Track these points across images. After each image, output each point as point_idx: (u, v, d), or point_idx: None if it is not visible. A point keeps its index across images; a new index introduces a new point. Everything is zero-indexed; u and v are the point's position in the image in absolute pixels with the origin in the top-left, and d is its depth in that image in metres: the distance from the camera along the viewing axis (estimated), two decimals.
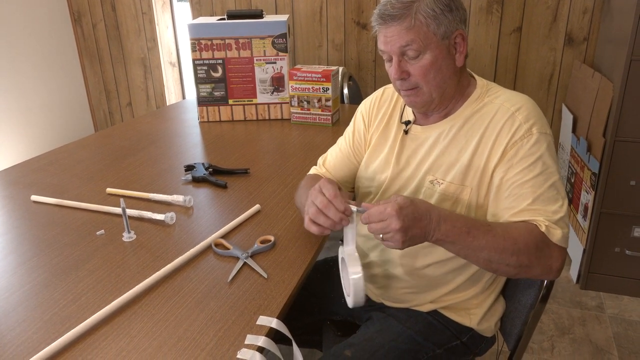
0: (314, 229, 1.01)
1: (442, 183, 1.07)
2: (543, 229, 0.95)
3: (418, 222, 0.90)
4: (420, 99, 1.08)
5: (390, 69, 1.07)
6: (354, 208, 0.96)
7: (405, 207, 0.89)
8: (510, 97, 1.07)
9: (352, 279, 0.95)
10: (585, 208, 2.26)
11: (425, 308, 1.17)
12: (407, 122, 1.17)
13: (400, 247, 0.91)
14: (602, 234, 2.20)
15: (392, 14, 1.00)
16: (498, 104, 1.06)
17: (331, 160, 1.32)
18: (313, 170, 1.35)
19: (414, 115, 1.17)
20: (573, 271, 2.42)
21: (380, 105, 1.25)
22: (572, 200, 2.44)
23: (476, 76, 1.14)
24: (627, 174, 2.08)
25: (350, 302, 0.99)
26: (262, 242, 1.17)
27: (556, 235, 0.95)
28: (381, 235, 0.91)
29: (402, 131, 1.17)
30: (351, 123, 1.31)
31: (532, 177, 0.98)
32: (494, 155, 1.03)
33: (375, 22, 1.04)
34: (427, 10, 0.99)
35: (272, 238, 1.17)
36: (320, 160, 1.36)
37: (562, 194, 1.00)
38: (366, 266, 1.21)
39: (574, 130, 2.38)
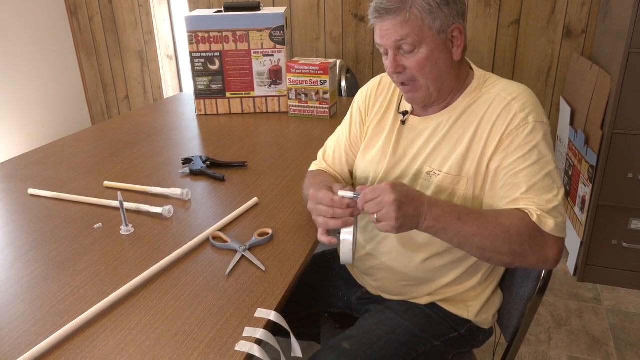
0: (326, 240, 1.01)
1: (438, 174, 1.07)
2: (534, 218, 0.94)
3: (411, 201, 0.91)
4: (420, 94, 1.07)
5: (387, 62, 1.06)
6: (349, 194, 0.96)
7: (399, 184, 0.93)
8: (507, 86, 1.06)
9: (342, 239, 0.99)
10: (583, 200, 2.26)
11: (423, 301, 1.17)
12: (405, 113, 1.16)
13: (394, 226, 0.90)
14: (600, 227, 2.21)
15: (387, 8, 1.00)
16: (494, 94, 1.06)
17: (330, 154, 1.31)
18: (314, 166, 1.34)
19: (412, 106, 1.16)
20: (570, 263, 2.43)
21: (378, 95, 1.24)
22: (570, 192, 2.44)
23: (474, 67, 1.13)
24: (625, 166, 2.08)
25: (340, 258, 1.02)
26: (260, 235, 1.17)
27: (548, 224, 0.94)
28: (375, 217, 0.92)
29: (400, 122, 1.17)
30: (348, 114, 1.30)
31: (527, 166, 0.98)
32: (490, 144, 1.02)
33: (371, 16, 1.04)
34: (422, 4, 0.99)
35: (269, 231, 1.17)
36: (320, 155, 1.34)
37: (558, 183, 0.99)
38: (363, 258, 1.22)
39: (571, 123, 2.38)
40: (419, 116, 1.14)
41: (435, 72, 1.04)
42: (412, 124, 1.14)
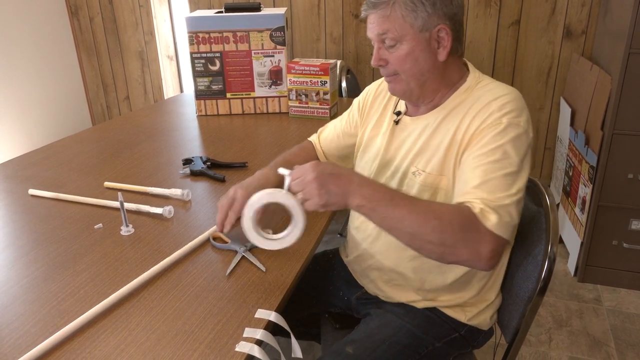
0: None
1: (422, 174, 1.07)
2: (476, 210, 0.90)
3: (336, 179, 0.91)
4: (400, 87, 1.09)
5: None
6: (286, 172, 0.96)
7: (324, 164, 0.93)
8: (494, 88, 1.05)
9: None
10: (583, 201, 2.26)
11: (419, 305, 1.17)
12: (399, 113, 1.18)
13: (318, 202, 0.90)
14: (600, 227, 2.21)
15: (373, 2, 1.03)
16: (479, 95, 1.04)
17: (325, 135, 1.38)
18: (311, 138, 1.42)
19: (406, 107, 1.17)
20: (571, 264, 2.43)
21: (377, 95, 1.26)
22: (570, 193, 2.44)
23: (472, 68, 1.12)
24: (625, 167, 2.08)
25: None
26: None
27: (490, 220, 0.89)
28: (301, 195, 0.93)
29: (393, 121, 1.18)
30: (351, 106, 1.35)
31: (487, 163, 0.95)
32: (464, 142, 1.01)
33: (362, 8, 1.07)
34: (406, 1, 1.00)
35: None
36: (319, 130, 1.41)
37: (518, 186, 0.94)
38: (359, 259, 1.25)
39: (572, 124, 2.38)
40: (410, 116, 1.15)
41: (415, 69, 1.05)
42: (404, 124, 1.16)
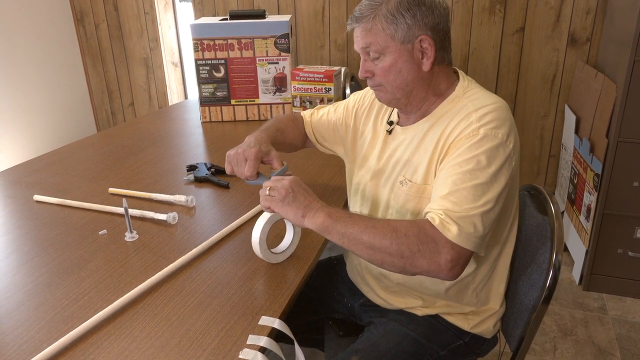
0: (228, 169, 1.18)
1: (408, 183, 1.08)
2: (437, 222, 0.91)
3: (306, 194, 1.01)
4: (385, 96, 1.10)
5: None
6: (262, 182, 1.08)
7: (302, 182, 1.02)
8: (479, 98, 1.04)
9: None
10: (588, 209, 2.25)
11: (419, 312, 1.17)
12: (391, 122, 1.18)
13: (280, 201, 0.99)
14: (605, 235, 2.20)
15: (356, 16, 1.05)
16: (463, 104, 1.04)
17: (318, 117, 1.38)
18: (303, 113, 1.41)
19: (398, 116, 1.18)
20: (575, 272, 2.41)
21: (373, 105, 1.26)
22: (575, 201, 2.44)
23: (462, 77, 1.11)
24: (630, 175, 2.08)
25: None
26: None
27: (451, 231, 0.90)
28: (267, 192, 1.02)
29: (386, 131, 1.19)
30: (344, 105, 1.33)
31: (459, 173, 0.95)
32: (443, 152, 1.02)
33: (348, 22, 1.09)
34: (386, 14, 1.01)
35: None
36: (313, 110, 1.41)
37: (487, 198, 0.93)
38: (357, 266, 1.27)
39: (576, 131, 2.38)
40: (402, 126, 1.15)
41: (399, 80, 1.05)
42: (396, 134, 1.16)
